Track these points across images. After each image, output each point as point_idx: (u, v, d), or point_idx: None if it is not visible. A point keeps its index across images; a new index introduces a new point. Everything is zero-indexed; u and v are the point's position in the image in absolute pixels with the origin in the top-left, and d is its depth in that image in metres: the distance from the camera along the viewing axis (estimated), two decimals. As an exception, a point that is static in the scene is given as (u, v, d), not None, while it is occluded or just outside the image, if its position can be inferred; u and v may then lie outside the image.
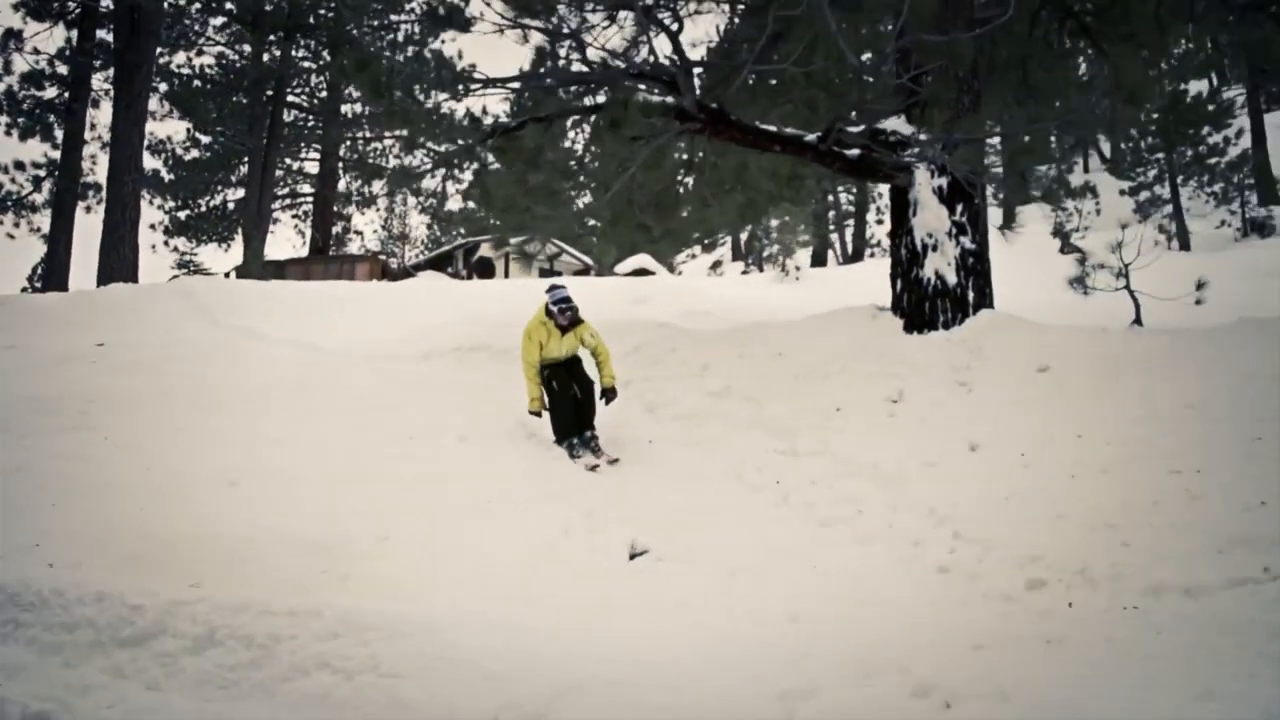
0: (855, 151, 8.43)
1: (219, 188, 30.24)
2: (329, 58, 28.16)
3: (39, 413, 7.95)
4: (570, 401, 7.73)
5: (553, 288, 7.93)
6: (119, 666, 4.62)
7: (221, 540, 5.96)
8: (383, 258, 37.90)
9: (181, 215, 30.12)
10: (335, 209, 31.17)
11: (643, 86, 8.26)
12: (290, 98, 29.53)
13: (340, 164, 31.13)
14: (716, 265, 36.54)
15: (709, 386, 8.37)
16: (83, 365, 9.34)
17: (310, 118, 30.24)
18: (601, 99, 8.63)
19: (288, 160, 31.92)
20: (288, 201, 33.07)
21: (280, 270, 29.05)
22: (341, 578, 5.64)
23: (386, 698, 4.12)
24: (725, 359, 8.96)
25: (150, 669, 4.60)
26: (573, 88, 8.78)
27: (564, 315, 7.71)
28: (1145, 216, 25.56)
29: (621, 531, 6.23)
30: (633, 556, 6.00)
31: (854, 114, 7.60)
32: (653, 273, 28.29)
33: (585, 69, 8.08)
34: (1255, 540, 5.01)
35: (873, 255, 33.78)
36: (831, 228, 33.35)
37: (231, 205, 30.15)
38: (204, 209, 30.27)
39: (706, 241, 41.17)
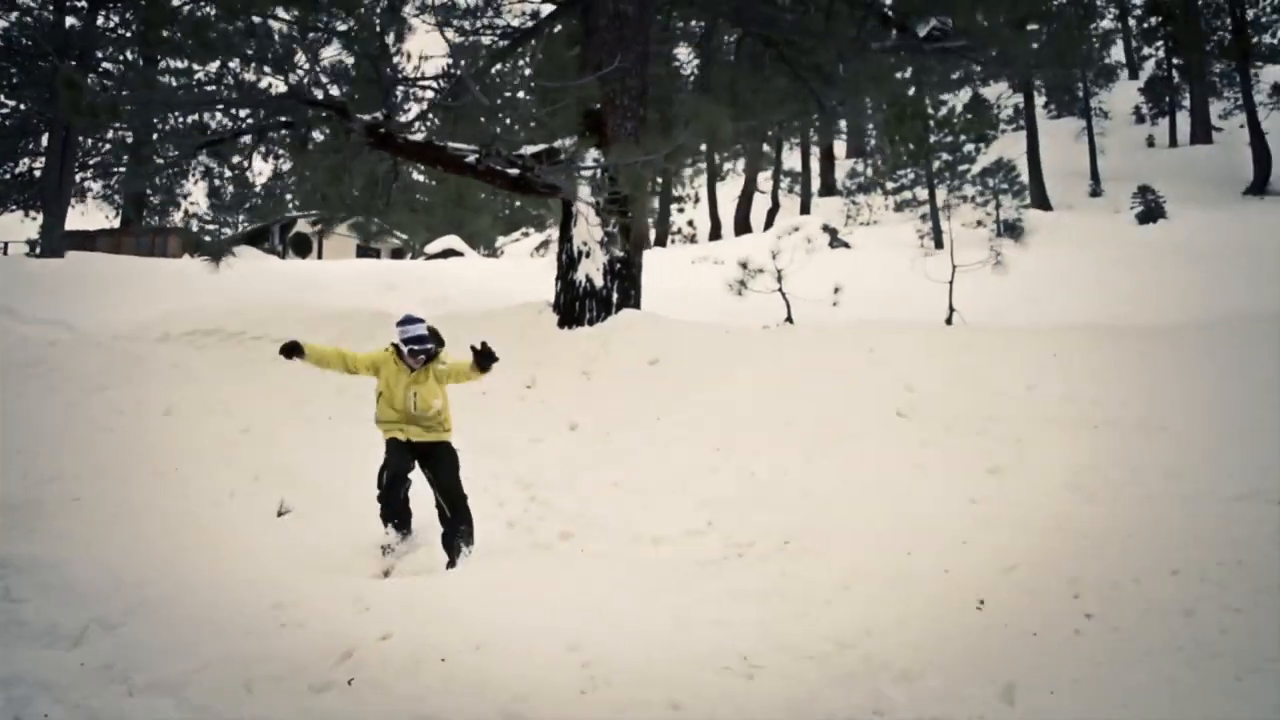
0: (515, 170, 9.87)
1: (23, 156, 29.67)
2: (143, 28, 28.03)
3: None
4: (404, 499, 6.75)
5: (406, 320, 6.50)
6: None
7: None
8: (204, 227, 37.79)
9: (-19, 183, 29.56)
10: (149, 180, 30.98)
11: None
12: (105, 65, 29.16)
13: (155, 135, 30.89)
14: (542, 246, 37.62)
15: (385, 373, 9.67)
16: None
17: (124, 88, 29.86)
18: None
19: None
20: (100, 171, 32.62)
21: (89, 242, 28.84)
22: (29, 531, 6.78)
23: (8, 619, 5.35)
24: (410, 348, 10.29)
25: None
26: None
27: (415, 358, 6.41)
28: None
29: (282, 494, 7.55)
30: (280, 514, 7.33)
31: (496, 141, 9.03)
32: (461, 254, 29.29)
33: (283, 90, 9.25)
34: (716, 501, 6.74)
35: (673, 243, 35.89)
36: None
37: (39, 173, 29.65)
38: (8, 176, 29.71)
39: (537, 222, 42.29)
